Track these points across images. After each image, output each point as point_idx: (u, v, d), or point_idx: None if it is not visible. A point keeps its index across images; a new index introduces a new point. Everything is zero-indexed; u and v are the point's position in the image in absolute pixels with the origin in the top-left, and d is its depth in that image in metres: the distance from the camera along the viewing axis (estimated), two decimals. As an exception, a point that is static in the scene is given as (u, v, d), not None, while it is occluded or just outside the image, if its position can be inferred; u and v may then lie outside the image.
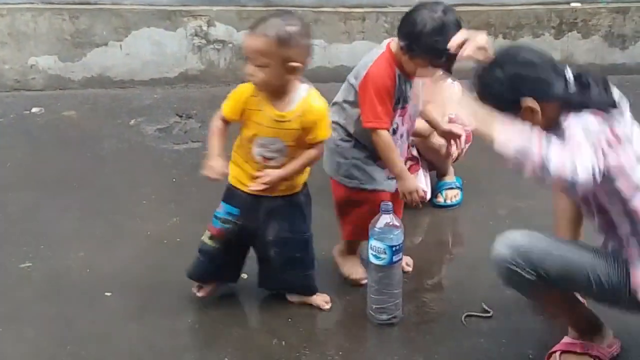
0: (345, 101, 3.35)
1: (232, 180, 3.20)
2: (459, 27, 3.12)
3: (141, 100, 5.42)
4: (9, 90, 5.50)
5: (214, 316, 3.32)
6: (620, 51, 5.83)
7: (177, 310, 3.35)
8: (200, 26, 5.49)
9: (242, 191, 3.16)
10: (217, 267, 3.31)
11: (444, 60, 3.17)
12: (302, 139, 3.06)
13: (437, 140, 3.88)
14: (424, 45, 3.13)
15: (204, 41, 5.52)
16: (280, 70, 2.94)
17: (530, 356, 3.10)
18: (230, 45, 5.54)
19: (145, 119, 5.15)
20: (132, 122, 5.12)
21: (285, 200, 3.18)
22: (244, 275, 3.54)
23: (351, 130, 3.33)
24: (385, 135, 3.25)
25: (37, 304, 3.38)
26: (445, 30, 3.09)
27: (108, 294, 3.45)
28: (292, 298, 3.38)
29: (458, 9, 5.38)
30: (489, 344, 3.17)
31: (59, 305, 3.37)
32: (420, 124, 3.78)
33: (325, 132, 3.07)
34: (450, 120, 4.10)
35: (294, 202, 3.20)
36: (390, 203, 3.19)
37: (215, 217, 3.23)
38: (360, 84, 3.25)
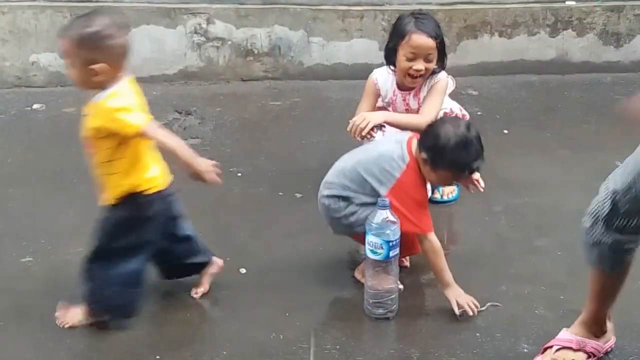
0: (356, 191, 3.32)
1: None
2: (480, 142, 3.22)
3: (141, 97, 5.41)
4: (10, 87, 5.50)
5: (212, 310, 3.33)
6: (615, 49, 5.82)
7: (175, 305, 3.34)
8: (200, 24, 5.48)
9: None
10: None
11: (467, 174, 3.30)
12: (98, 141, 2.99)
13: None
14: (448, 160, 3.19)
15: (203, 39, 5.52)
16: (82, 70, 2.90)
17: (525, 350, 3.09)
18: (229, 42, 5.53)
19: (145, 115, 5.13)
20: (132, 118, 5.10)
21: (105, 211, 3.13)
22: (242, 270, 3.56)
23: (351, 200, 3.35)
24: (434, 238, 3.30)
25: (36, 298, 3.37)
26: (469, 145, 3.18)
27: (107, 288, 3.45)
28: None
29: (455, 7, 5.46)
30: (484, 338, 3.16)
31: (58, 299, 3.36)
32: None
33: (125, 125, 2.89)
34: (445, 114, 4.10)
35: (104, 215, 3.13)
36: (387, 199, 3.18)
37: None
38: (392, 194, 3.22)
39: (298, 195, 4.21)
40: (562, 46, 5.78)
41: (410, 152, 3.28)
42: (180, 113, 5.15)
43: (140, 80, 5.43)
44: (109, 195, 3.07)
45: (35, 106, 5.26)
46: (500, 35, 5.68)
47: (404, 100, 3.99)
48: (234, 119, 5.08)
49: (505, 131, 4.99)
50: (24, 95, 5.40)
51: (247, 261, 3.63)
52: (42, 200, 4.12)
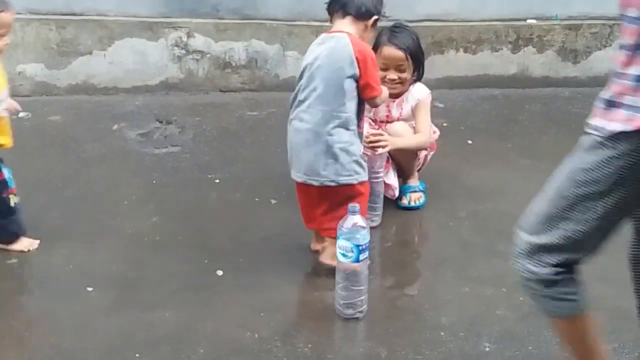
0: (342, 106, 3.32)
1: None
2: None
3: (123, 107, 5.38)
4: (-3, 95, 5.44)
5: (190, 310, 3.30)
6: (573, 65, 5.88)
7: (154, 305, 3.32)
8: (181, 37, 5.47)
9: None
10: None
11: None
12: None
13: None
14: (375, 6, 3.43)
15: (183, 51, 5.50)
16: None
17: (487, 349, 3.10)
18: (209, 55, 5.52)
19: (127, 124, 5.11)
20: (115, 127, 5.08)
21: None
22: (219, 272, 3.54)
23: (353, 125, 3.37)
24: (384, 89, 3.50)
25: (22, 298, 3.36)
26: None
27: (89, 289, 3.41)
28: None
29: (423, 24, 5.48)
30: (448, 337, 3.16)
31: (42, 299, 3.34)
32: (398, 128, 3.94)
33: None
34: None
35: None
36: (357, 205, 3.18)
37: None
38: (359, 67, 3.29)
39: (273, 201, 4.21)
40: (523, 62, 5.82)
41: (349, 34, 3.37)
42: (161, 122, 5.13)
43: (123, 90, 5.52)
44: None
45: (21, 114, 5.18)
46: (465, 51, 5.72)
47: (387, 107, 4.02)
48: (213, 128, 5.07)
49: (470, 141, 5.01)
50: (11, 103, 5.35)
51: (223, 263, 3.62)
52: (28, 204, 4.07)
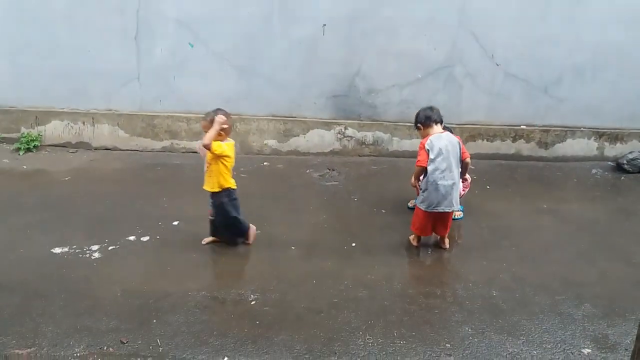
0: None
1: None
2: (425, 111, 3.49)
3: (312, 161, 5.42)
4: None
5: (339, 262, 3.27)
6: (544, 150, 5.50)
7: (322, 258, 3.30)
8: (341, 129, 5.51)
9: None
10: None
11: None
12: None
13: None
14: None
15: (341, 136, 5.54)
16: None
17: (494, 293, 2.88)
18: (354, 138, 5.53)
19: (312, 170, 5.16)
20: (307, 171, 5.15)
21: None
22: (353, 244, 3.53)
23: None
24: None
25: (253, 255, 3.38)
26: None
27: (293, 248, 3.48)
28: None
29: (462, 126, 5.27)
30: (475, 287, 2.97)
31: (267, 255, 3.38)
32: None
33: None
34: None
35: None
36: None
37: None
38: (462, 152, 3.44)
39: (383, 210, 4.16)
40: (518, 147, 5.50)
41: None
42: (330, 170, 5.16)
43: (312, 154, 5.56)
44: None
45: (265, 163, 5.35)
46: (487, 140, 5.47)
47: None
48: (354, 174, 5.07)
49: (488, 187, 4.77)
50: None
51: (356, 240, 3.61)
52: (259, 208, 4.13)
